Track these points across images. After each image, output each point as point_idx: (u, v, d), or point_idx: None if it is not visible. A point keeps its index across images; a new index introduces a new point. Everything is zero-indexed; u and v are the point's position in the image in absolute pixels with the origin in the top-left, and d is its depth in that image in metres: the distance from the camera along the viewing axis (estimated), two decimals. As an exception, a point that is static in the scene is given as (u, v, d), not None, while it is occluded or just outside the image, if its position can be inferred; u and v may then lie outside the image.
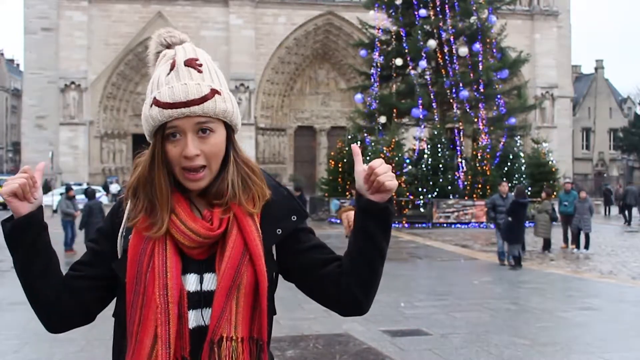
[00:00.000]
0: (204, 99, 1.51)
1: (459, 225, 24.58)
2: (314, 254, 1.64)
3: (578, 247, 16.89)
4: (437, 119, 26.87)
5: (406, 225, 24.31)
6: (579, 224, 16.76)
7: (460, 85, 26.55)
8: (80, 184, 37.66)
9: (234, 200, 1.57)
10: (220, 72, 1.61)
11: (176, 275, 1.51)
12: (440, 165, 25.29)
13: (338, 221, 16.50)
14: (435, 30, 27.08)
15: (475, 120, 27.21)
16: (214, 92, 1.53)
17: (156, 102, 1.52)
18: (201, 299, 1.53)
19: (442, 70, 26.97)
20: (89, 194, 15.44)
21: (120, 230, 1.62)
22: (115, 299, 1.66)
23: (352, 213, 14.56)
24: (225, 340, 1.50)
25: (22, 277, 1.59)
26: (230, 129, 1.60)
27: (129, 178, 1.64)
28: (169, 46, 1.61)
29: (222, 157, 1.58)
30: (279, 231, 1.61)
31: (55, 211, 25.25)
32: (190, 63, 1.54)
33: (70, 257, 14.35)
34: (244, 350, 1.52)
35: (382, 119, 27.40)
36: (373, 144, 25.59)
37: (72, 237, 15.76)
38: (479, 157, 25.79)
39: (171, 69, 1.54)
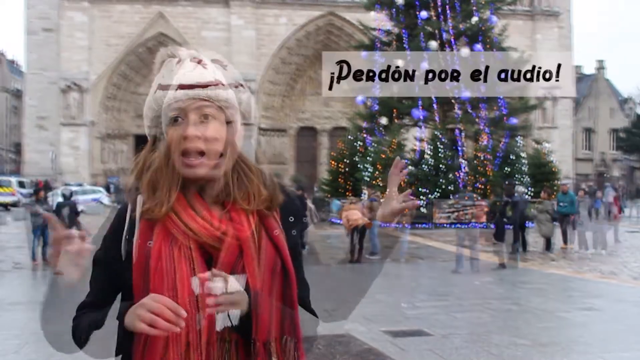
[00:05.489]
0: (207, 85, 1.55)
1: (459, 226, 24.54)
2: None
3: (586, 247, 16.85)
4: (437, 120, 26.85)
5: (407, 225, 24.28)
6: (576, 224, 16.79)
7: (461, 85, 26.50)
8: (81, 184, 37.69)
9: (228, 198, 1.58)
10: (227, 73, 1.62)
11: (187, 276, 1.50)
12: (441, 166, 25.28)
13: (339, 221, 16.49)
14: (437, 32, 27.05)
15: (477, 120, 27.19)
16: (218, 82, 1.57)
17: (160, 87, 1.56)
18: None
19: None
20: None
21: (124, 233, 1.60)
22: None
23: (352, 212, 14.57)
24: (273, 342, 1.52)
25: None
26: (230, 126, 1.60)
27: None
28: (175, 57, 1.63)
29: (221, 150, 1.58)
30: (293, 232, 1.65)
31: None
32: (196, 60, 1.59)
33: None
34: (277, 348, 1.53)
35: (383, 120, 27.39)
36: (374, 144, 25.58)
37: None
38: (480, 158, 25.76)
39: (176, 64, 1.58)
